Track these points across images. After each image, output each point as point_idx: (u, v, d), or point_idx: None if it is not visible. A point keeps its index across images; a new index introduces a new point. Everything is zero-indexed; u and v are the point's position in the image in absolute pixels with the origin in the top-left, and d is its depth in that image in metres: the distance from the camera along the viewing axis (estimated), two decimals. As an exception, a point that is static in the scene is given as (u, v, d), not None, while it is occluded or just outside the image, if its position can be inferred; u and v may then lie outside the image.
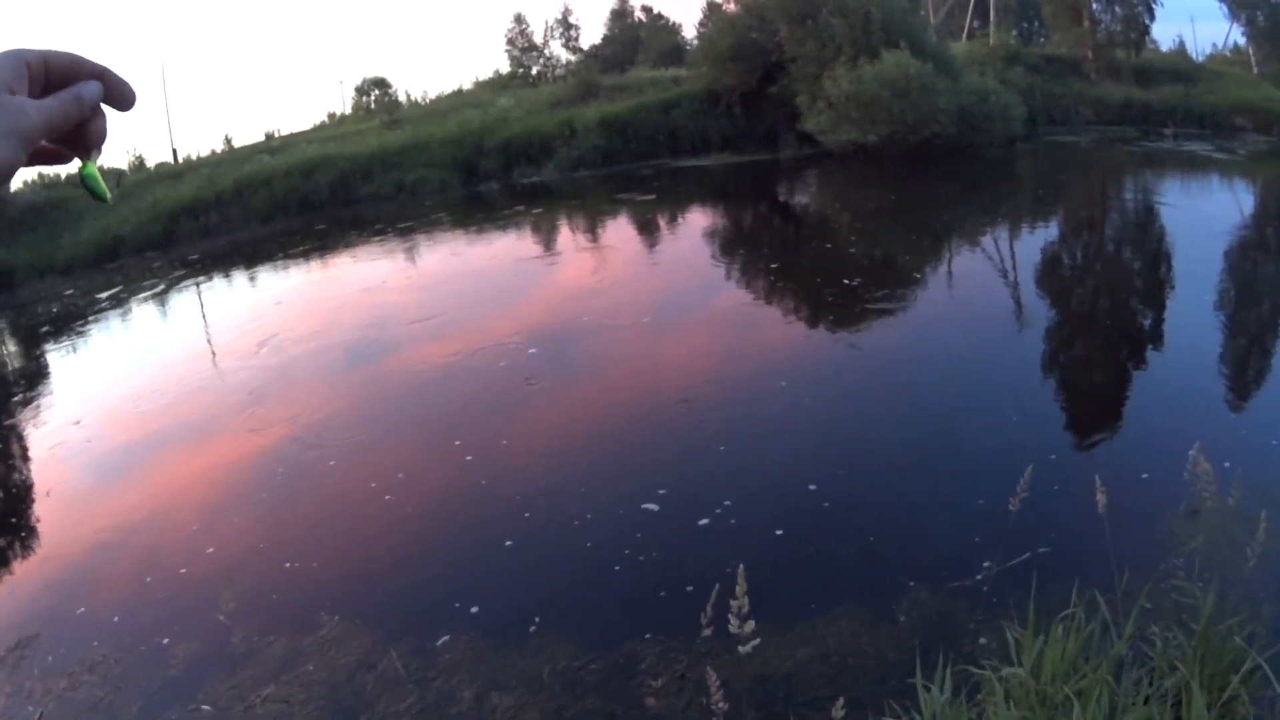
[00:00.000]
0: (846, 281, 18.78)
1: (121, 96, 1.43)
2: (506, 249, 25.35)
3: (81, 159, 1.41)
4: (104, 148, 1.44)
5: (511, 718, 6.76)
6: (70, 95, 1.34)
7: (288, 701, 7.13)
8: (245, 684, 7.38)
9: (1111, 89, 45.66)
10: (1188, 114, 43.65)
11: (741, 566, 4.27)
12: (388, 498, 10.52)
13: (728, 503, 9.58)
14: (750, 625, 4.22)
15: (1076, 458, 10.36)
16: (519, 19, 57.38)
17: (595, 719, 6.65)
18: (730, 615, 4.24)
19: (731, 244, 24.92)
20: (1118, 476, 9.39)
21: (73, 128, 1.36)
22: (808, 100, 36.84)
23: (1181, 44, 61.75)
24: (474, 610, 8.13)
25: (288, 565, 9.32)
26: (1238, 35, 58.53)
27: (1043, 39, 59.59)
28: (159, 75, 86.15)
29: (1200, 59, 58.13)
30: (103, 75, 1.40)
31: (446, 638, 7.74)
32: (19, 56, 1.28)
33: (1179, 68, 51.12)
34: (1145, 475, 9.32)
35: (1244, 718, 5.22)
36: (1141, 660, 5.90)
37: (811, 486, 9.93)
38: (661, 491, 9.97)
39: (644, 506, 9.62)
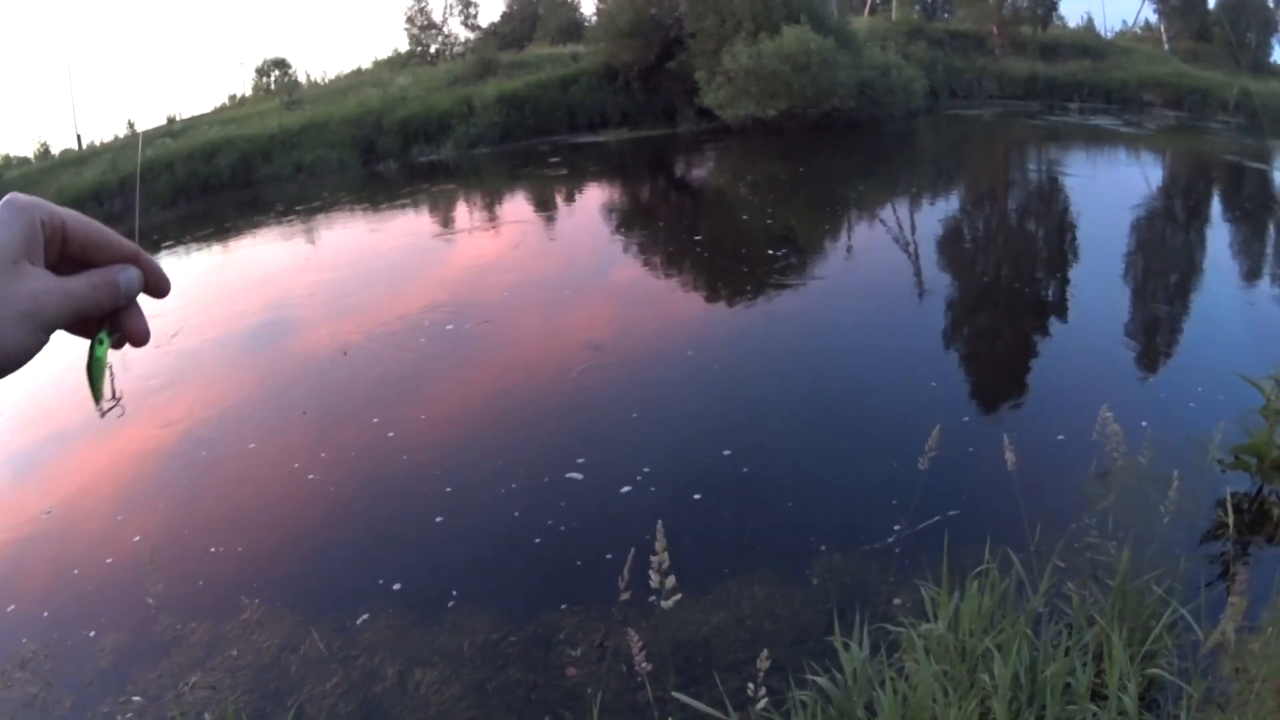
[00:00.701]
0: (747, 254, 18.98)
1: (157, 285, 1.22)
2: (409, 228, 24.97)
3: (97, 335, 1.18)
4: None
5: (435, 693, 6.72)
6: (105, 280, 1.13)
7: (215, 688, 7.04)
8: (172, 672, 7.27)
9: (1016, 64, 46.01)
10: (1094, 89, 44.11)
11: (660, 522, 4.26)
12: (310, 477, 10.35)
13: (645, 470, 9.65)
14: (671, 580, 4.23)
15: (986, 421, 10.57)
16: (418, -4, 57.26)
17: (517, 690, 6.62)
18: (651, 572, 4.24)
19: (631, 219, 24.92)
20: (1029, 439, 9.53)
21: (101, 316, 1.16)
22: (706, 75, 36.79)
23: (1090, 21, 62.11)
24: (395, 587, 8.07)
25: (211, 550, 9.10)
26: (1149, 13, 59.21)
27: (947, 15, 59.76)
28: (63, 59, 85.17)
29: (1110, 36, 58.61)
30: (137, 258, 1.18)
31: (366, 616, 7.66)
32: (30, 215, 1.06)
33: (1087, 44, 51.44)
34: (1058, 437, 9.49)
35: (1166, 668, 5.33)
36: (1058, 616, 5.98)
37: (725, 453, 10.00)
38: (579, 461, 9.99)
39: (565, 476, 9.62)
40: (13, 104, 75.53)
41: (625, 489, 9.33)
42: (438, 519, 9.24)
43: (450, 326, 15.12)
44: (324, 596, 8.16)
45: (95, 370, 1.17)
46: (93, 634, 7.96)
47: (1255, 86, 43.81)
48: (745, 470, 9.64)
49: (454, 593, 7.90)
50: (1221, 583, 6.87)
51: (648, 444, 10.35)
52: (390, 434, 11.28)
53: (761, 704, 4.67)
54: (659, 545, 4.23)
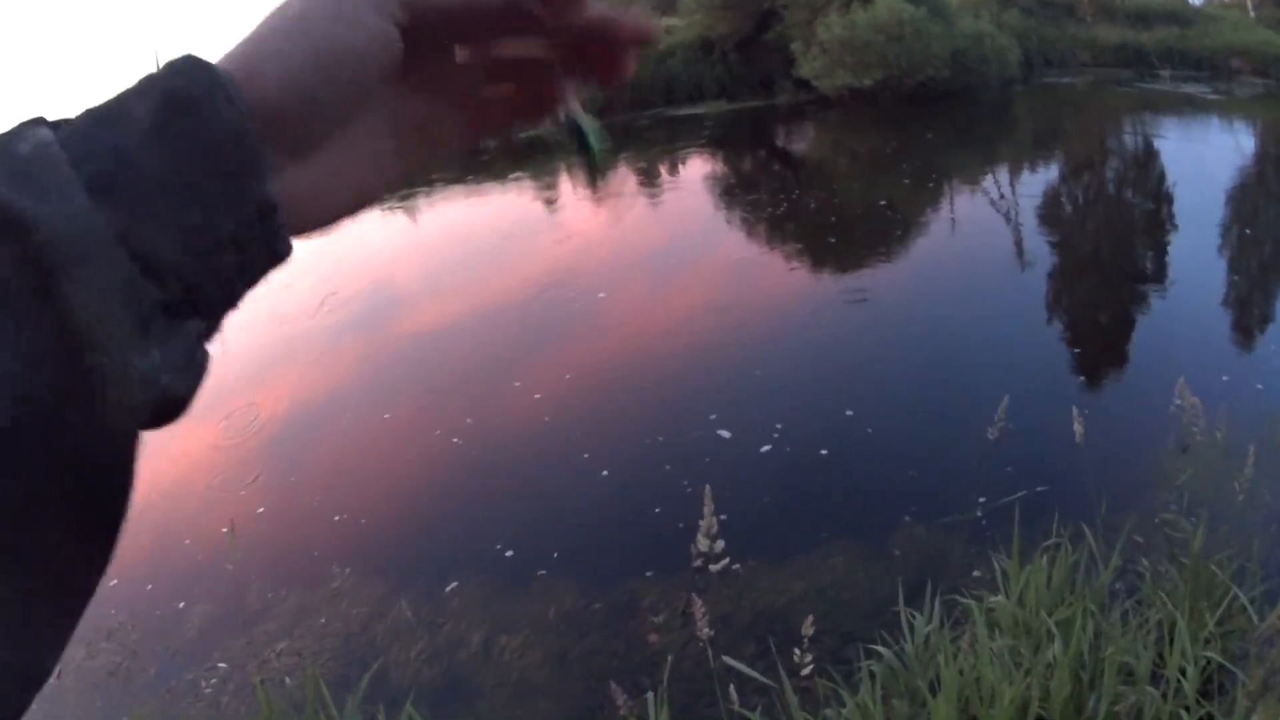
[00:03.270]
0: (850, 224, 18.95)
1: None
2: (517, 204, 25.25)
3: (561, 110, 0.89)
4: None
5: (517, 658, 6.92)
6: None
7: (300, 654, 7.28)
8: (260, 640, 7.53)
9: (1107, 31, 45.17)
10: (1184, 57, 43.20)
11: (708, 487, 4.37)
12: (413, 450, 10.68)
13: (723, 444, 9.79)
14: (720, 545, 4.32)
15: (1074, 392, 10.51)
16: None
17: (597, 657, 6.80)
18: (700, 536, 4.34)
19: (736, 190, 24.73)
20: (1111, 410, 9.55)
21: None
22: (802, 46, 36.24)
23: (1179, -13, 61.07)
24: (496, 552, 8.34)
25: (310, 519, 9.47)
26: (1236, -19, 58.03)
27: (1038, -17, 58.93)
28: (148, 43, 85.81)
29: (1197, 3, 57.61)
30: None
31: (455, 584, 7.89)
32: None
33: (1175, 10, 50.42)
34: (1136, 411, 9.44)
35: (1224, 654, 5.30)
36: (1131, 592, 6.02)
37: (814, 424, 10.08)
38: (667, 429, 10.25)
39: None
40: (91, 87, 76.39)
41: (706, 465, 9.38)
42: (536, 487, 9.47)
43: (564, 298, 15.24)
44: (416, 565, 8.41)
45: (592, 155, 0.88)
46: (181, 605, 8.27)
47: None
48: (835, 440, 9.75)
49: (550, 558, 8.12)
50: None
51: (741, 413, 10.44)
52: (474, 411, 11.45)
53: (824, 675, 4.80)
54: (707, 510, 4.33)
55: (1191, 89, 37.68)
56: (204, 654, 7.53)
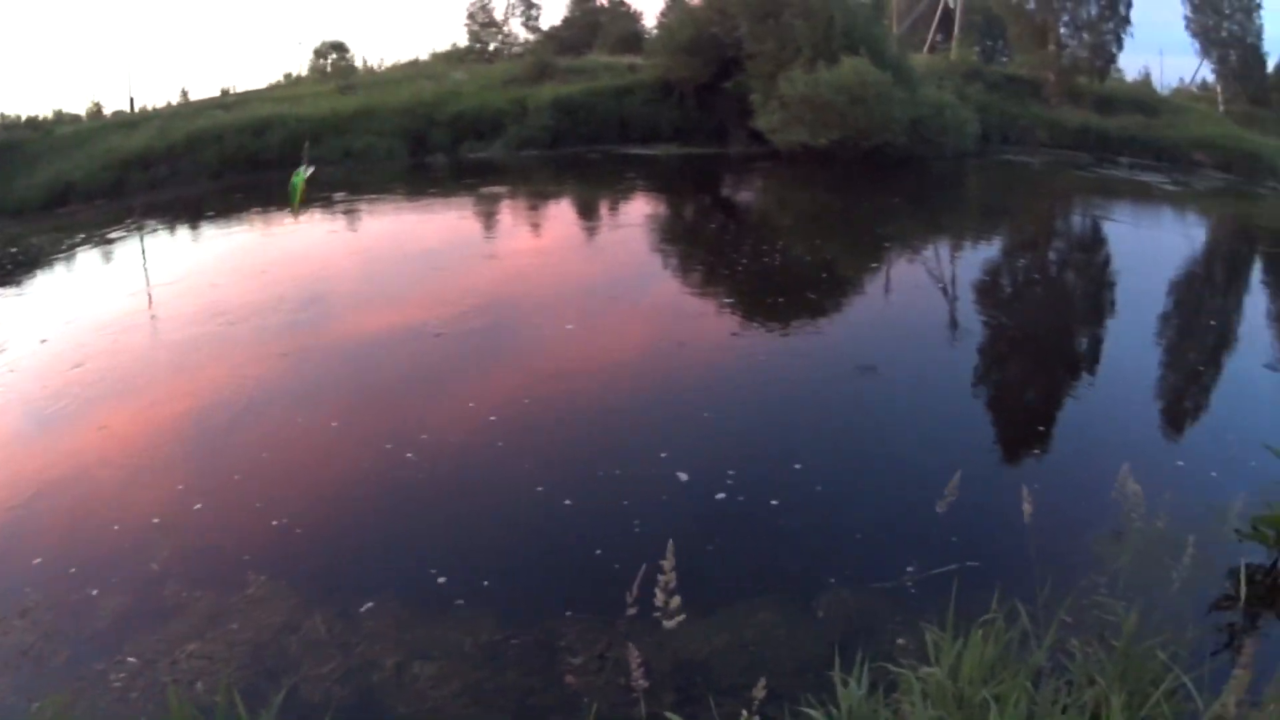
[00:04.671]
0: (787, 283, 19.00)
1: None
2: (455, 225, 25.10)
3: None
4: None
5: (432, 688, 6.78)
6: None
7: (211, 658, 7.11)
8: (172, 639, 7.35)
9: (1070, 113, 45.67)
10: (1146, 145, 43.70)
11: (670, 542, 4.29)
12: (333, 465, 10.51)
13: (655, 492, 9.70)
14: (676, 600, 4.24)
15: (1007, 470, 10.59)
16: (482, -7, 57.16)
17: (514, 693, 6.67)
18: (658, 590, 4.26)
19: (675, 236, 24.95)
20: (1046, 493, 9.49)
21: None
22: (761, 99, 36.71)
23: (1148, 75, 61.71)
24: (398, 578, 8.17)
25: (221, 522, 9.24)
26: (1207, 72, 58.74)
27: (1004, 59, 59.51)
28: (122, 22, 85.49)
29: (1166, 92, 58.21)
30: None
31: (371, 604, 7.72)
32: None
33: (1142, 98, 50.99)
34: (1073, 494, 9.42)
35: None
36: (1060, 672, 5.94)
37: (742, 480, 9.99)
38: (598, 474, 10.13)
39: (582, 488, 9.71)
40: (70, 60, 75.77)
41: (641, 506, 9.38)
42: (451, 515, 9.37)
43: (486, 327, 15.15)
44: (331, 581, 8.23)
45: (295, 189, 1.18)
46: (95, 592, 8.08)
47: (1312, 154, 43.58)
48: (762, 498, 9.66)
49: (478, 586, 8.00)
50: (1227, 653, 6.77)
51: (668, 463, 10.34)
52: (418, 429, 11.32)
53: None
54: (667, 565, 4.24)
55: (1150, 178, 38.29)
56: (115, 645, 7.33)
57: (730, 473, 10.07)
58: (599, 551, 8.49)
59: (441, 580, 8.13)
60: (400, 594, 7.88)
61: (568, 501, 9.52)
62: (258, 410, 12.07)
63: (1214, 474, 10.57)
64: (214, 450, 11.03)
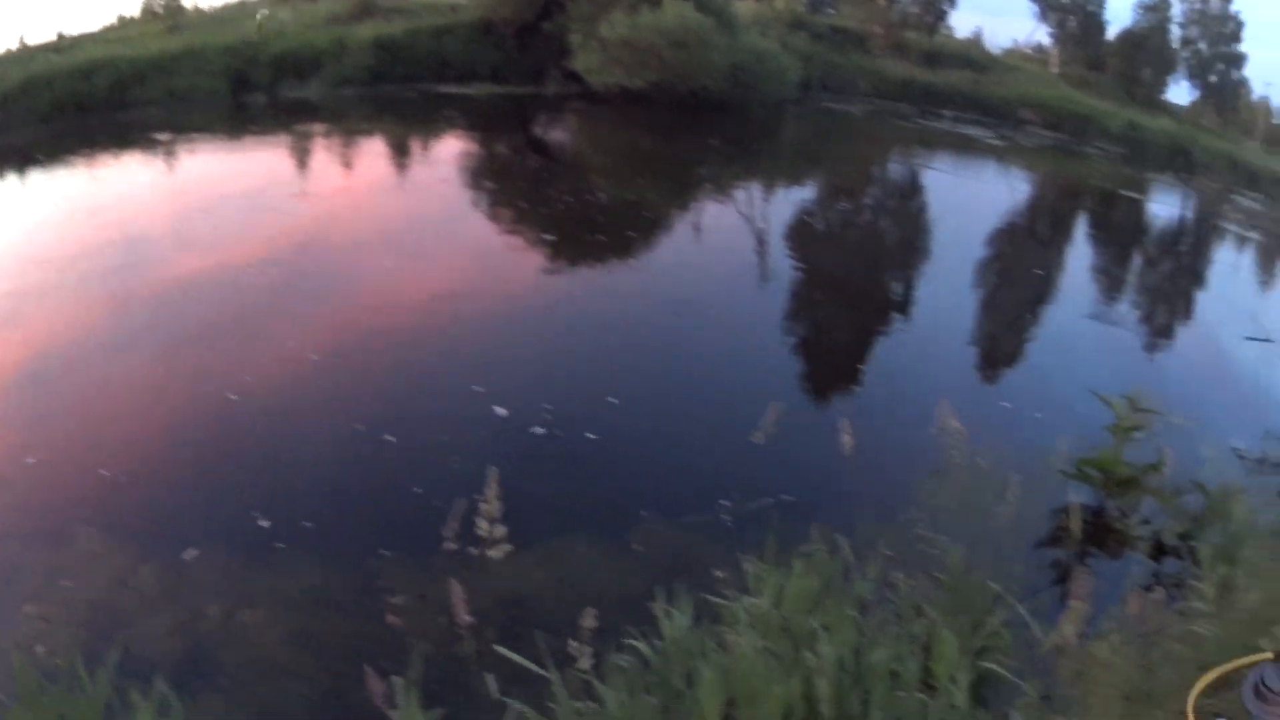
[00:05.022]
0: (600, 222, 19.13)
1: None
2: (271, 167, 24.59)
3: None
4: None
5: (259, 635, 6.61)
6: None
7: (48, 619, 6.89)
8: (10, 600, 7.15)
9: (895, 66, 45.90)
10: (972, 100, 44.36)
11: (494, 469, 4.25)
12: (150, 413, 10.10)
13: (474, 428, 9.70)
14: (501, 530, 4.21)
15: (824, 408, 10.89)
16: (310, -68, 55.92)
17: (340, 637, 6.57)
18: (481, 520, 4.22)
19: (487, 176, 24.50)
20: (867, 430, 9.63)
21: None
22: (581, 39, 36.08)
23: (979, 35, 62.47)
24: (223, 524, 7.95)
25: (51, 477, 8.82)
26: (1044, 36, 59.51)
27: (832, 10, 59.72)
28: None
29: (997, 53, 58.91)
30: None
31: (196, 553, 7.49)
32: None
33: (972, 55, 51.70)
34: (895, 432, 9.54)
35: (1000, 665, 5.40)
36: (885, 604, 6.03)
37: (555, 416, 10.03)
38: (417, 411, 10.12)
39: (384, 437, 9.47)
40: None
41: (460, 442, 9.32)
42: (273, 456, 9.16)
43: (307, 266, 14.81)
44: (159, 530, 7.94)
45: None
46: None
47: (1143, 120, 44.60)
48: (579, 432, 9.74)
49: (302, 529, 7.83)
50: (1057, 589, 6.97)
51: (486, 399, 10.29)
52: (240, 370, 10.87)
53: (583, 664, 4.69)
54: (490, 493, 4.20)
55: (974, 131, 38.80)
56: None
57: (547, 407, 10.08)
58: (418, 490, 8.36)
59: (264, 524, 7.87)
60: (224, 540, 7.62)
61: (390, 438, 9.37)
62: (86, 359, 11.47)
63: (1039, 415, 10.85)
64: (43, 402, 10.67)
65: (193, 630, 6.72)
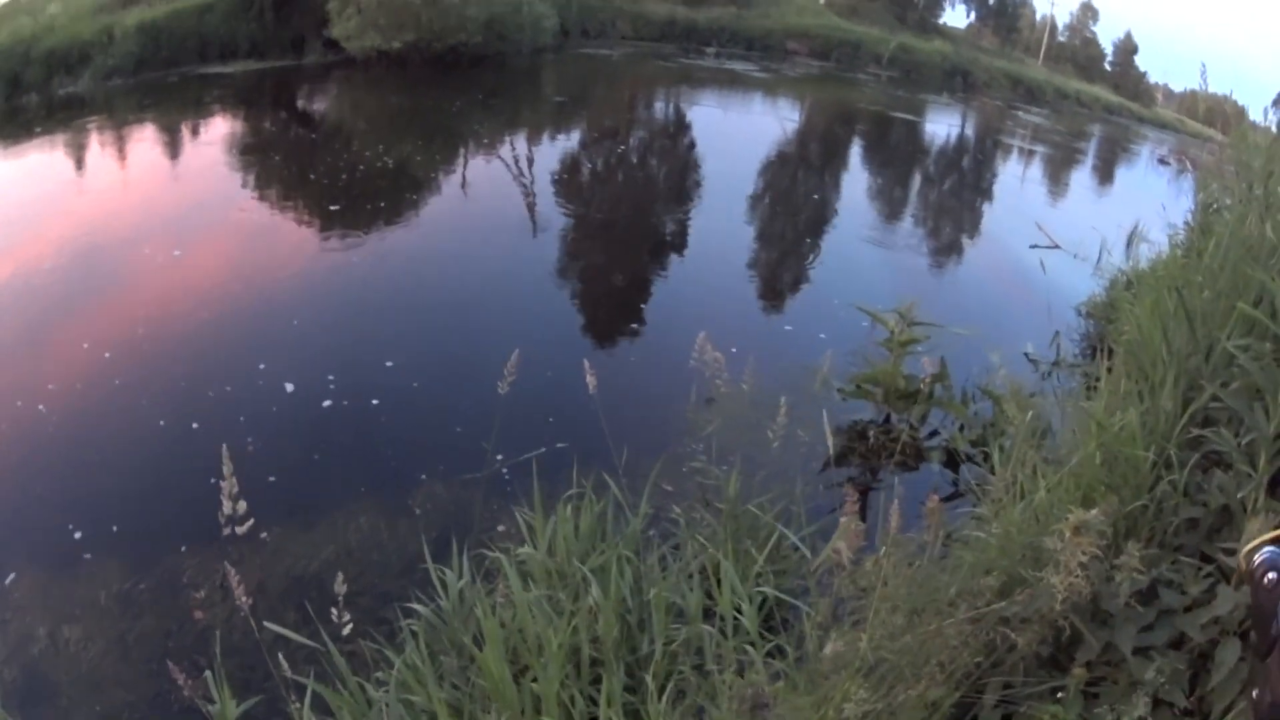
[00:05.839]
0: (359, 188, 19.21)
1: None
2: (48, 166, 24.05)
3: None
4: None
5: (83, 649, 6.65)
6: None
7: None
8: None
9: (655, 7, 46.12)
10: (736, 36, 44.76)
11: (225, 446, 4.37)
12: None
13: (266, 407, 9.86)
14: (243, 506, 4.33)
15: (595, 353, 11.26)
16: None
17: (154, 639, 6.65)
18: (223, 499, 4.34)
19: (254, 154, 24.01)
20: (639, 368, 10.04)
21: None
22: (338, 6, 35.97)
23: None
24: (38, 541, 7.92)
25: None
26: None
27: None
28: None
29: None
30: None
31: (14, 575, 7.56)
32: None
33: (734, -9, 52.00)
34: (668, 368, 9.61)
35: (785, 590, 5.65)
36: (667, 538, 6.35)
37: (340, 386, 10.25)
38: (210, 395, 10.12)
39: (187, 429, 9.44)
40: None
41: (253, 422, 9.49)
42: (80, 463, 9.06)
43: (93, 264, 14.48)
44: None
45: None
46: None
47: (917, 44, 45.39)
48: (363, 400, 9.94)
49: (93, 540, 7.80)
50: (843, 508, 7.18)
51: (275, 375, 10.48)
52: (44, 379, 10.57)
53: (366, 637, 4.95)
54: (226, 470, 4.33)
55: (739, 66, 39.32)
56: None
57: (331, 378, 10.26)
58: (213, 479, 8.41)
59: (77, 535, 7.84)
60: (40, 557, 7.60)
61: (195, 425, 9.39)
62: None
63: (823, 336, 11.24)
64: None
65: (24, 654, 6.75)
